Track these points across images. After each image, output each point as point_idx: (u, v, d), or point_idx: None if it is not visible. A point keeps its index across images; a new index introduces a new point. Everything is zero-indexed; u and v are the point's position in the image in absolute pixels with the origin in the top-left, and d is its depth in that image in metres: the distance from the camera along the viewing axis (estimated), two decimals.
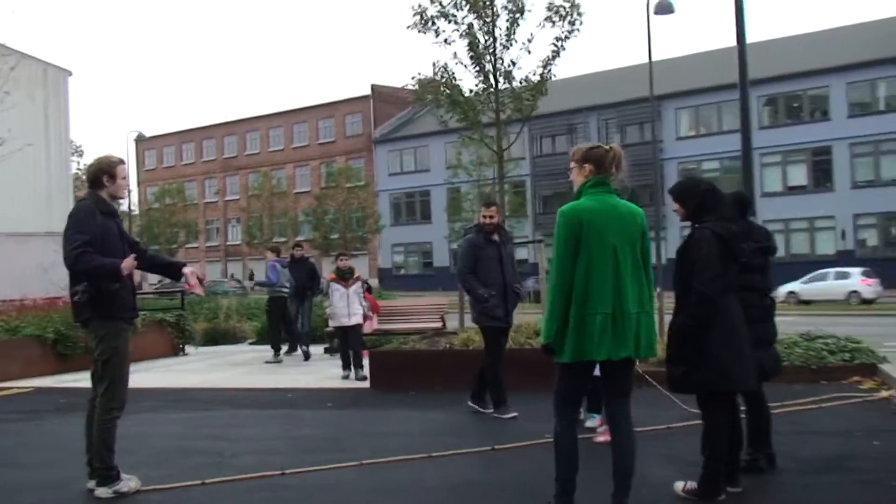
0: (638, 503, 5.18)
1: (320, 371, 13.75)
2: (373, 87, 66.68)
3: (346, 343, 12.70)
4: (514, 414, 8.81)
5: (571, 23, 13.56)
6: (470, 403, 9.27)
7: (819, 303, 34.80)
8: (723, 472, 5.62)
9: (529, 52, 13.40)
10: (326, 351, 16.80)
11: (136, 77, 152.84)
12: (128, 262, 6.05)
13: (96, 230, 6.12)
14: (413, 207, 63.93)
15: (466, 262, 9.06)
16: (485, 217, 9.11)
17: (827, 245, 47.35)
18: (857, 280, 36.34)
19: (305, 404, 10.46)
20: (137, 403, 10.66)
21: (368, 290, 17.77)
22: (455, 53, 13.67)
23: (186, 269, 6.60)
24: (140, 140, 49.54)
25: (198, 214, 74.07)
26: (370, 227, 57.34)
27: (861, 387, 9.81)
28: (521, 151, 55.06)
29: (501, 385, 8.98)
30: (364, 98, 66.94)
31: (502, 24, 13.31)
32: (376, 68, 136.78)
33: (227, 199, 73.88)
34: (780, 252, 30.72)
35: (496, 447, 7.40)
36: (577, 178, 5.22)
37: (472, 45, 13.27)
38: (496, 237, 9.15)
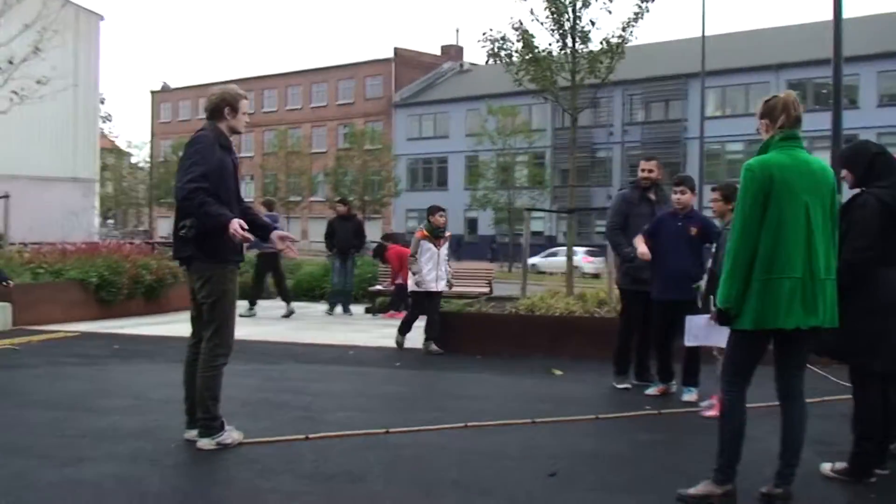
0: None
1: (369, 330, 13.45)
2: (396, 49, 66.05)
3: (421, 309, 11.17)
4: (628, 385, 8.46)
5: None
6: (633, 382, 8.63)
7: (553, 275, 36.99)
8: (874, 452, 5.30)
9: (610, 13, 12.94)
10: (368, 311, 16.51)
11: (156, 28, 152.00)
12: (238, 226, 5.61)
13: (214, 164, 5.75)
14: (430, 173, 63.48)
15: (616, 217, 8.53)
16: (643, 171, 8.57)
17: None
18: (580, 258, 40.38)
19: (372, 362, 10.15)
20: None
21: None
22: (532, 10, 13.20)
23: (275, 234, 6.22)
24: (165, 90, 48.99)
25: None
26: (388, 190, 56.83)
27: None
28: (543, 123, 54.61)
29: (628, 354, 8.59)
30: (386, 61, 66.28)
31: None
32: (399, 32, 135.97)
33: (241, 155, 73.29)
34: None
35: (600, 416, 7.10)
36: (763, 134, 4.88)
37: (555, 1, 12.76)
38: (652, 195, 8.61)
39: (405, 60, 66.53)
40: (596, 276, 38.29)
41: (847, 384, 7.64)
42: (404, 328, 11.30)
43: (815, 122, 46.82)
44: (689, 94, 51.55)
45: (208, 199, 5.62)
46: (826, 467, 5.40)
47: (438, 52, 70.93)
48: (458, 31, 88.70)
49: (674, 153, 51.14)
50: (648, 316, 8.55)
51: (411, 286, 11.24)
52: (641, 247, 7.95)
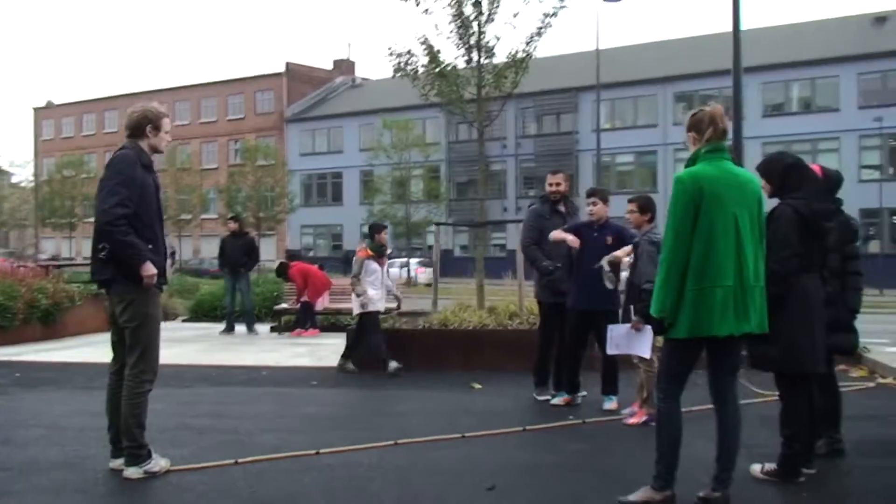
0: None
1: (278, 349, 13.25)
2: (287, 64, 65.46)
3: (371, 332, 10.59)
4: (548, 397, 8.49)
5: None
6: (552, 393, 8.53)
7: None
8: (802, 453, 5.47)
9: (515, 28, 13.11)
10: (273, 329, 16.29)
11: (35, 43, 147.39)
12: (151, 272, 5.59)
13: (137, 184, 5.60)
14: (324, 189, 63.01)
15: (531, 233, 8.60)
16: (550, 185, 8.66)
17: None
18: (413, 268, 46.78)
19: (288, 382, 9.98)
20: (104, 379, 10.06)
21: (321, 266, 17.32)
22: (436, 25, 13.27)
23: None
24: (48, 107, 47.61)
25: (95, 188, 71.26)
26: (283, 206, 56.15)
27: (852, 374, 9.88)
28: (437, 136, 54.89)
29: (547, 366, 8.63)
30: (276, 75, 65.62)
31: None
32: (290, 46, 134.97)
33: None
34: None
35: (527, 428, 7.15)
36: (691, 147, 5.00)
37: (461, 16, 12.85)
38: (563, 208, 8.70)
39: (297, 75, 66.00)
40: (428, 285, 38.76)
41: (756, 388, 7.97)
42: (384, 354, 10.46)
43: None
44: (579, 107, 52.54)
45: (131, 230, 5.51)
46: (756, 469, 5.55)
47: (330, 67, 70.62)
48: (349, 45, 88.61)
49: (567, 165, 51.93)
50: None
51: (357, 308, 10.71)
52: (563, 235, 7.99)
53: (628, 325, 7.22)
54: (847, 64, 44.94)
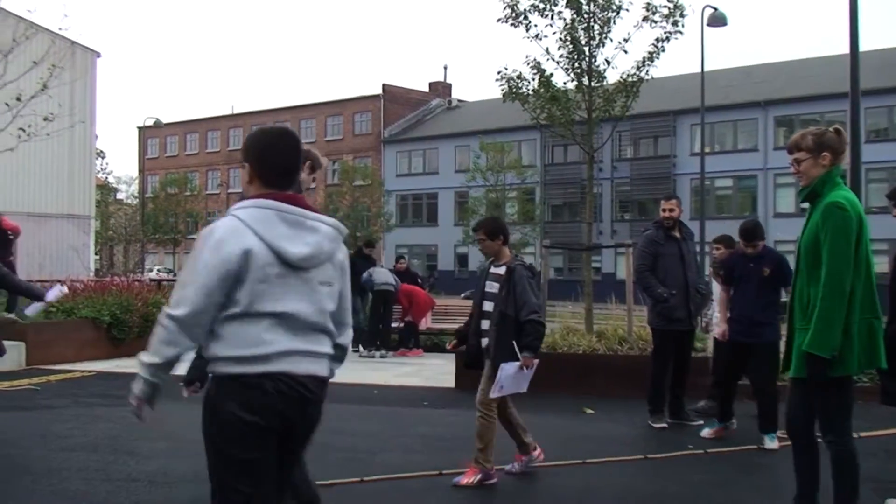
0: None
1: (385, 368, 13.35)
2: (384, 86, 66.30)
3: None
4: (664, 425, 8.39)
5: (675, 23, 13.26)
6: (668, 420, 8.44)
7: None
8: None
9: (626, 52, 13.10)
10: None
11: (142, 63, 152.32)
12: None
13: None
14: (420, 209, 63.49)
15: (645, 259, 8.54)
16: (664, 210, 8.64)
17: None
18: None
19: (399, 401, 10.09)
20: None
21: (421, 285, 17.39)
22: (547, 49, 13.33)
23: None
24: (157, 126, 49.51)
25: (199, 205, 73.13)
26: (380, 226, 56.77)
27: None
28: (532, 159, 54.90)
29: (662, 393, 8.51)
30: (374, 97, 66.47)
31: (597, 21, 12.98)
32: (387, 68, 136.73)
33: (229, 191, 73.01)
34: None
35: (648, 456, 7.08)
36: (811, 169, 4.68)
37: (574, 41, 12.91)
38: (677, 233, 8.65)
39: (393, 97, 66.76)
40: None
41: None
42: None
43: None
44: (677, 131, 51.95)
45: None
46: None
47: (426, 89, 71.26)
48: (445, 67, 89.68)
49: (663, 189, 51.39)
50: (680, 354, 8.58)
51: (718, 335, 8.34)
52: (721, 330, 7.84)
53: (517, 365, 6.14)
54: None
